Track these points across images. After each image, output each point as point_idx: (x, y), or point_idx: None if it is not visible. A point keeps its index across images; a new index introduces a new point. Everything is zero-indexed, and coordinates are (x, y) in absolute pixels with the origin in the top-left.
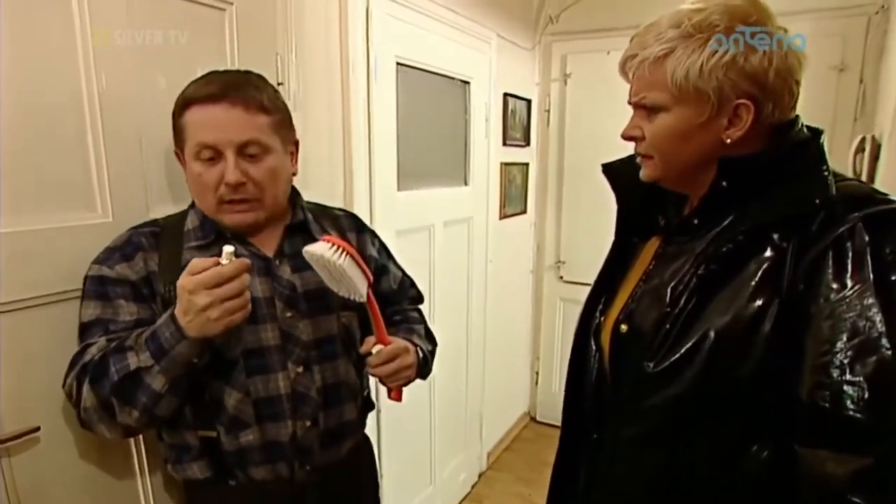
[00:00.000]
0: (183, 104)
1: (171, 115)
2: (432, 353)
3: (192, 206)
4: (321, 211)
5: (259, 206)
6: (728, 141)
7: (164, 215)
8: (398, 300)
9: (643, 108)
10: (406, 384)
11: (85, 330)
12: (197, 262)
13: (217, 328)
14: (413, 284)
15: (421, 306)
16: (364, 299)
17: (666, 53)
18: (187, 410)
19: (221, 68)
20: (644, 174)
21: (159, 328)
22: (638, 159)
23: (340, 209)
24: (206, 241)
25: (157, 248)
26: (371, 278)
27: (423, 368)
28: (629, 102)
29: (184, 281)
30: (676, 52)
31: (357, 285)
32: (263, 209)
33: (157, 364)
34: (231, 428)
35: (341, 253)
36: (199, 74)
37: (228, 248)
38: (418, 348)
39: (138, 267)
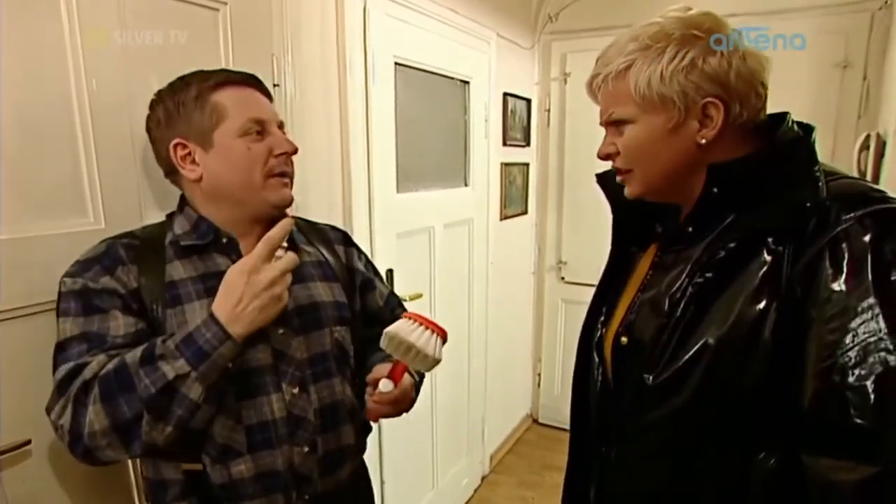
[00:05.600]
0: (216, 85)
1: (183, 102)
2: (418, 385)
3: (180, 210)
4: (308, 225)
5: (291, 185)
6: (703, 142)
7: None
8: (385, 318)
9: (614, 125)
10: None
11: (68, 347)
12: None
13: (271, 314)
14: (401, 304)
15: None
16: (438, 363)
17: (627, 66)
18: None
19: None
20: (628, 192)
21: (196, 331)
22: (619, 178)
23: (326, 224)
24: (204, 241)
25: (136, 262)
26: (446, 335)
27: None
28: (601, 123)
29: (240, 265)
30: (636, 63)
31: (430, 357)
32: (291, 188)
33: (194, 371)
34: (220, 458)
35: (424, 328)
36: None
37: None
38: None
39: (123, 280)
